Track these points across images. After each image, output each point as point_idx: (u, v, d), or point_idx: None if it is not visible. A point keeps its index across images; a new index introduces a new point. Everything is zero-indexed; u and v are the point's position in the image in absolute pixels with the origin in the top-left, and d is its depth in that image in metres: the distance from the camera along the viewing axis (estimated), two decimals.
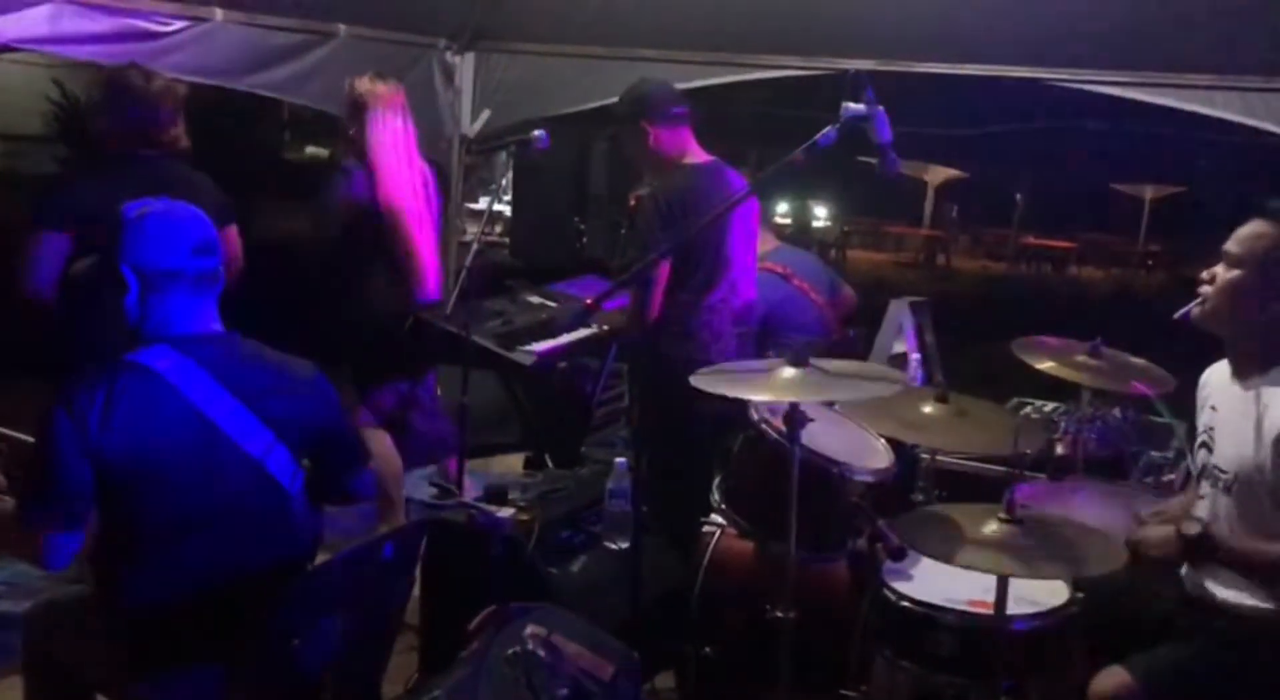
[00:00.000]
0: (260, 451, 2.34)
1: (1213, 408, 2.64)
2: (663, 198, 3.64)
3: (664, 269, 3.54)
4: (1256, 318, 2.52)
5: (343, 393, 3.94)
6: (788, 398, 2.64)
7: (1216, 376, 2.68)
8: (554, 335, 4.21)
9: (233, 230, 3.75)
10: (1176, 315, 2.73)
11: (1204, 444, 2.65)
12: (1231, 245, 2.56)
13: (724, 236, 3.69)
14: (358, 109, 4.00)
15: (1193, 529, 2.43)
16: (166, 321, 2.34)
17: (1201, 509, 2.62)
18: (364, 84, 4.02)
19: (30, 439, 2.32)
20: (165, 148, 3.55)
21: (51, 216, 3.34)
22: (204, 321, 2.38)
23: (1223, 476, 2.53)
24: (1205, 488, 2.61)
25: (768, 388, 2.65)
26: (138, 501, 2.25)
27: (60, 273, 3.32)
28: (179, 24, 4.17)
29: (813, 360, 2.67)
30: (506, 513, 3.13)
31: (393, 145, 4.00)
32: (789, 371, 2.63)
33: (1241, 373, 2.58)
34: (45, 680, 2.55)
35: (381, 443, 4.12)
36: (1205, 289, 2.60)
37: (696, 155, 3.79)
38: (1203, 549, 2.42)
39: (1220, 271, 2.57)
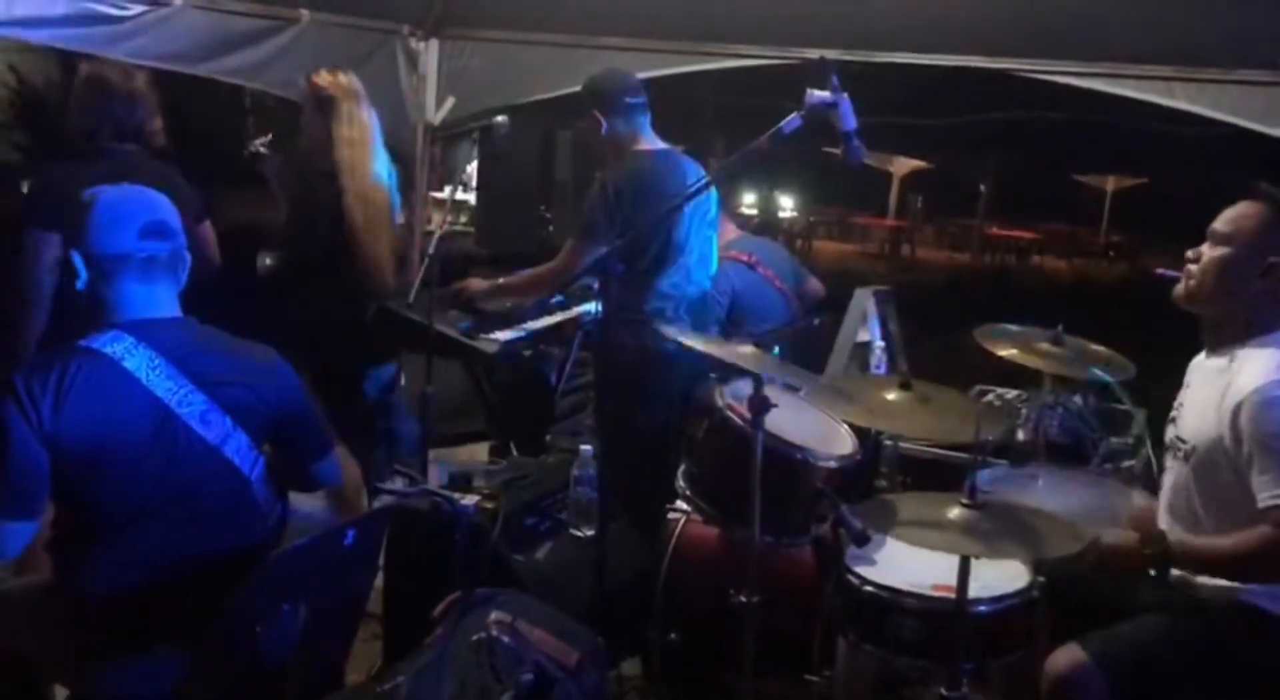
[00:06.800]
0: (218, 437, 2.32)
1: (1186, 386, 2.70)
2: (610, 184, 3.66)
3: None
4: (1240, 294, 2.56)
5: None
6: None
7: (1196, 359, 2.73)
8: (518, 323, 4.20)
9: (207, 228, 3.73)
10: (1159, 271, 2.77)
11: (1172, 419, 2.70)
12: (1219, 224, 2.60)
13: (675, 223, 3.68)
14: (325, 104, 3.89)
15: (1153, 547, 2.49)
16: (119, 306, 2.31)
17: (1165, 482, 2.67)
18: (326, 78, 3.91)
19: None
20: (144, 142, 3.54)
21: (42, 216, 3.32)
22: (159, 306, 2.35)
23: (1183, 447, 2.59)
24: (1169, 461, 2.66)
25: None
26: (94, 488, 2.23)
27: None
28: (138, 8, 4.11)
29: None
30: (471, 500, 3.13)
31: (362, 140, 3.91)
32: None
33: (1215, 347, 2.62)
34: (0, 671, 2.52)
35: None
36: (1192, 267, 2.63)
37: (651, 143, 3.80)
38: (1161, 561, 2.49)
39: (1206, 250, 2.61)
